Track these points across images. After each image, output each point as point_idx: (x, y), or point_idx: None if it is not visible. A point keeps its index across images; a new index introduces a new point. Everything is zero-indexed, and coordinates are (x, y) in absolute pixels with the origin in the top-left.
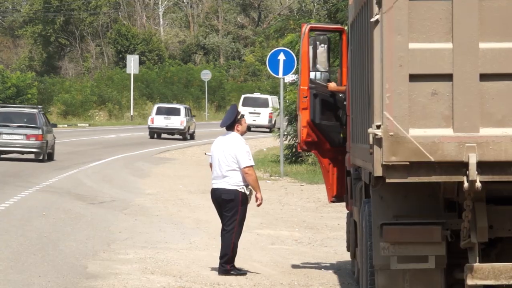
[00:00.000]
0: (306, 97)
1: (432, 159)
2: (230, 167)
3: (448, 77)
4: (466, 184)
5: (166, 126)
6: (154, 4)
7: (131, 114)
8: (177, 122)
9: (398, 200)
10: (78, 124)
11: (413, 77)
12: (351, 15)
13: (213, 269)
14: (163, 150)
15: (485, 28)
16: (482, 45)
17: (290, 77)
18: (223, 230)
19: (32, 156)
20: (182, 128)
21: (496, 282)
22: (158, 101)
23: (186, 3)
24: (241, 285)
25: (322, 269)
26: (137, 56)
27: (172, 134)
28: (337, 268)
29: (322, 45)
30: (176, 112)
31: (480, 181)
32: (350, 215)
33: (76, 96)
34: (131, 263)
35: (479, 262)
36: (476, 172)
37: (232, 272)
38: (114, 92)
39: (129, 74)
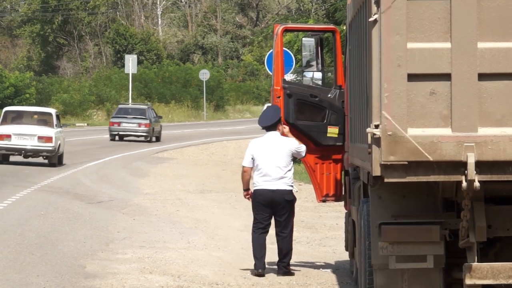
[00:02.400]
0: (279, 97)
1: (431, 159)
2: (288, 167)
3: (446, 76)
4: (464, 184)
5: None
6: (152, 3)
7: None
8: None
9: (397, 199)
10: (76, 124)
11: (412, 77)
12: (349, 15)
13: (211, 268)
14: (162, 149)
15: (484, 27)
16: (481, 45)
17: (288, 77)
18: (259, 234)
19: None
20: None
21: (495, 282)
22: (156, 101)
23: (184, 2)
24: (240, 285)
25: (321, 269)
26: (135, 56)
27: None
28: (335, 267)
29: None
30: None
31: (479, 181)
32: (348, 215)
33: (74, 95)
34: (130, 263)
35: (478, 261)
36: (475, 172)
37: (291, 271)
38: (112, 92)
39: (127, 74)
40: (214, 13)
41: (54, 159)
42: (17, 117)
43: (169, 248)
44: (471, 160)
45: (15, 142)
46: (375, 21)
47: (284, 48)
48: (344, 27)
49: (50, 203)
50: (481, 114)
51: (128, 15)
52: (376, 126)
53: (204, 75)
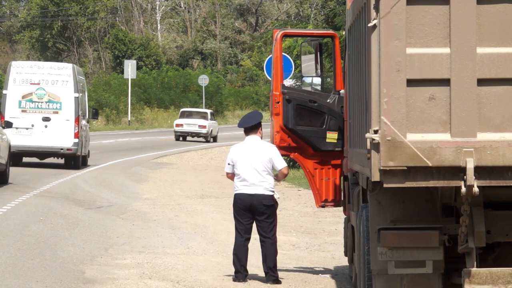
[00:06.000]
0: (278, 102)
1: (430, 164)
2: (267, 171)
3: (445, 82)
4: (463, 189)
5: None
6: (152, 9)
7: (129, 119)
8: None
9: (396, 205)
10: None
11: (411, 82)
12: (348, 20)
13: (210, 273)
14: (161, 155)
15: (483, 33)
16: (480, 50)
17: (287, 82)
18: (243, 239)
19: None
20: None
21: (494, 287)
22: (155, 106)
23: (183, 8)
24: None
25: (320, 274)
26: (134, 61)
27: None
28: (334, 273)
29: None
30: None
31: (478, 186)
32: (347, 220)
33: None
34: (129, 268)
35: (477, 267)
36: (474, 177)
37: (279, 278)
38: (111, 97)
39: (127, 79)
40: (213, 18)
41: (208, 138)
42: (188, 114)
43: (168, 254)
44: (470, 165)
45: (185, 128)
46: (374, 26)
47: (283, 54)
48: (343, 32)
49: (50, 208)
50: (480, 119)
51: (127, 20)
52: (375, 131)
53: (203, 80)
